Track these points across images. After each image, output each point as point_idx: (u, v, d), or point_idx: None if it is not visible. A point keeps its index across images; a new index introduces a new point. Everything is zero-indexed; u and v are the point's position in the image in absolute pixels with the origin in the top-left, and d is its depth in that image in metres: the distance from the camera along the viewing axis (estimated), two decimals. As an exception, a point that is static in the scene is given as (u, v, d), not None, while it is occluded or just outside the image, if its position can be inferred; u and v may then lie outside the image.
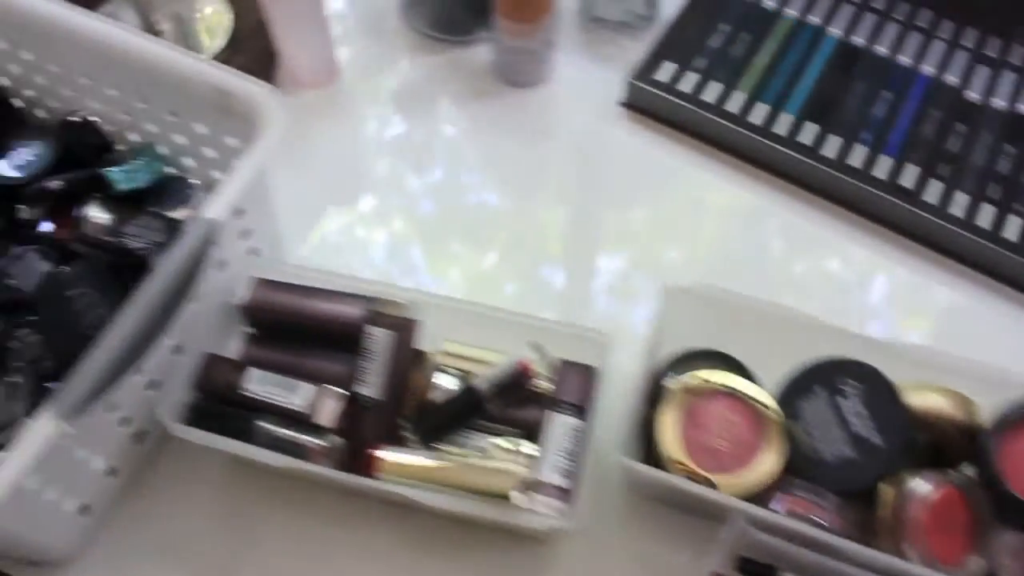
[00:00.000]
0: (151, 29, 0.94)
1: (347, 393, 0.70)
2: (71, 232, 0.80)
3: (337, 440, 0.69)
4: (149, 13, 0.93)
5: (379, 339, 0.71)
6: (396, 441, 0.70)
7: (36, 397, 0.72)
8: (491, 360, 0.74)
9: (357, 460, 0.68)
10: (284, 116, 0.68)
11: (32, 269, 0.79)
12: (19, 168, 0.84)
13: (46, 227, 0.82)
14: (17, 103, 0.88)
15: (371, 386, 0.70)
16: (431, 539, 0.73)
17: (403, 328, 0.71)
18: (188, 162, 0.82)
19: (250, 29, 0.96)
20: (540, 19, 0.88)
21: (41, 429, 0.58)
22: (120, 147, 0.85)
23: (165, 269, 0.64)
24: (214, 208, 0.66)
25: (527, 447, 0.70)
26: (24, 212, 0.83)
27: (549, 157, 0.93)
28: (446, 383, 0.73)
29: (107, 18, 0.74)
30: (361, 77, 0.97)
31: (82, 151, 0.84)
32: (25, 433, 0.58)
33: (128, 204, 0.81)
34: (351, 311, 0.73)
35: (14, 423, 0.69)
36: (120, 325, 0.62)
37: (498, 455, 0.70)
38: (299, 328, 0.74)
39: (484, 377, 0.71)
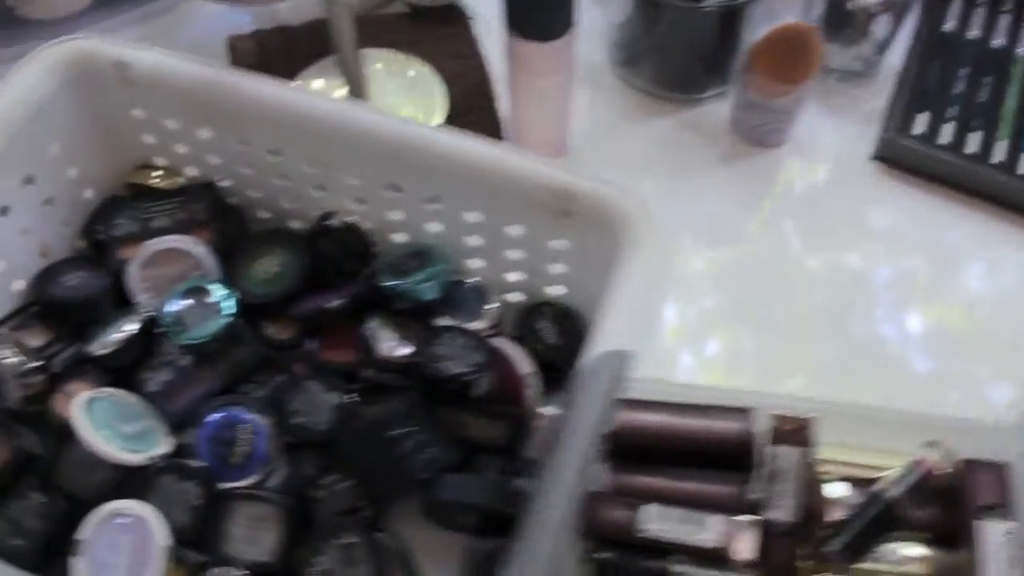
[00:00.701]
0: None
1: (757, 520, 0.63)
2: (360, 356, 0.70)
3: (753, 573, 0.62)
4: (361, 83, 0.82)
5: (785, 457, 0.64)
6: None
7: (376, 557, 0.62)
8: (873, 463, 0.68)
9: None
10: (653, 223, 0.60)
11: (320, 403, 0.68)
12: (265, 283, 0.73)
13: (311, 347, 0.72)
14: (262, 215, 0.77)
15: (782, 509, 0.63)
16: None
17: (806, 442, 0.64)
18: (475, 264, 0.72)
19: (464, 95, 0.86)
20: (805, 80, 0.82)
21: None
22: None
23: (588, 413, 0.55)
24: (613, 337, 0.57)
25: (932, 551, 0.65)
26: (272, 330, 0.72)
27: (823, 222, 0.87)
28: (838, 493, 0.66)
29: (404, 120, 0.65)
30: (589, 145, 0.89)
31: (338, 260, 0.73)
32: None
33: (409, 319, 0.71)
34: (732, 426, 0.65)
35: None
36: (559, 481, 0.53)
37: (912, 565, 0.65)
38: (671, 451, 0.66)
39: (890, 482, 0.65)
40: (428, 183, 0.66)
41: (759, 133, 0.88)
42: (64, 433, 0.67)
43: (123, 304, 0.73)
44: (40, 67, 0.69)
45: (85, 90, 0.71)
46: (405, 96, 0.86)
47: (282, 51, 0.87)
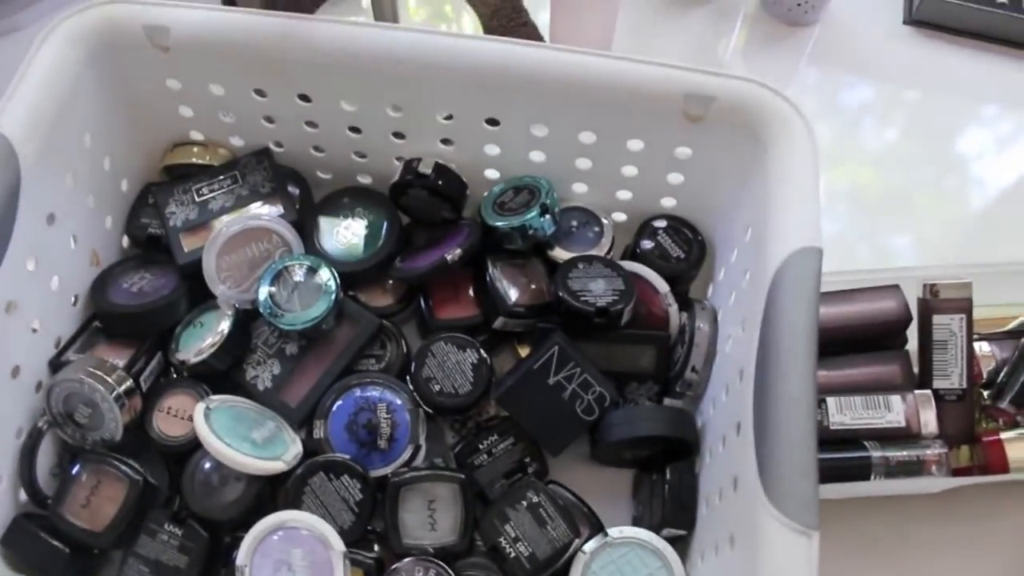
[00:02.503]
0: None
1: (929, 392, 0.62)
2: (488, 307, 0.65)
3: (941, 443, 0.62)
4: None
5: (949, 327, 0.63)
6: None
7: (564, 510, 0.59)
8: (1009, 316, 0.68)
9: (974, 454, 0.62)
10: (803, 118, 0.57)
11: (454, 365, 0.64)
12: (353, 249, 0.67)
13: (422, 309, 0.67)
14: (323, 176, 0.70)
15: (951, 377, 0.63)
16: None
17: (966, 309, 0.64)
18: (581, 188, 0.68)
19: (495, 14, 0.80)
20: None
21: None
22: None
23: (799, 314, 0.52)
24: (794, 238, 0.54)
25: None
26: (364, 298, 0.66)
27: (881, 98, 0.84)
28: (986, 351, 0.67)
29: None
30: (630, 46, 0.85)
31: (429, 210, 0.67)
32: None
33: (525, 258, 0.66)
34: (889, 306, 0.64)
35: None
36: (792, 389, 0.51)
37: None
38: (829, 341, 0.64)
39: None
40: (534, 109, 0.61)
41: (795, 14, 0.86)
42: (177, 454, 0.60)
43: (197, 299, 0.65)
44: (63, 42, 0.59)
45: (113, 64, 0.62)
46: (437, 25, 0.79)
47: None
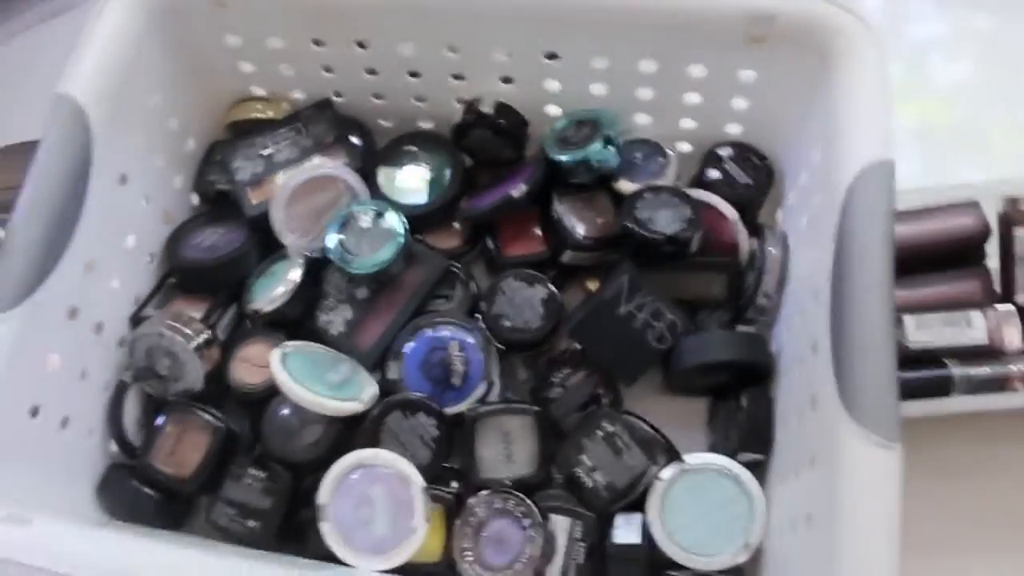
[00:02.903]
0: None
1: (1012, 307, 0.61)
2: (556, 241, 0.65)
3: (1024, 361, 0.60)
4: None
5: (1028, 238, 0.61)
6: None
7: (640, 440, 0.58)
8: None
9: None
10: (871, 31, 0.56)
11: (523, 302, 0.64)
12: (419, 193, 0.67)
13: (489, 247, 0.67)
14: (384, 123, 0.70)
15: (1034, 291, 0.61)
16: None
17: (1047, 218, 0.62)
18: (644, 119, 0.67)
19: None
20: None
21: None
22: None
23: (876, 229, 0.51)
24: (865, 152, 0.52)
25: None
26: (431, 240, 0.67)
27: None
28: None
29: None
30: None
31: (493, 149, 0.67)
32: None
33: (591, 191, 0.66)
34: (967, 221, 0.63)
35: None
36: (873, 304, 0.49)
37: None
38: (907, 260, 0.63)
39: None
40: (594, 40, 0.60)
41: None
42: (256, 401, 0.62)
43: (267, 251, 0.66)
44: (122, 8, 0.60)
45: (175, 24, 0.63)
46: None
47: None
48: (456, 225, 0.68)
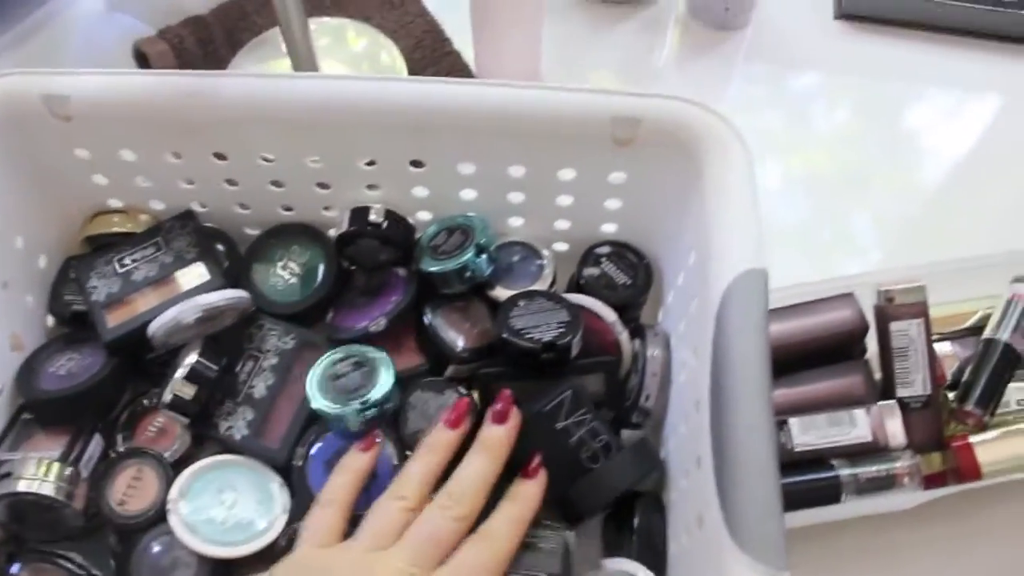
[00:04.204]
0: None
1: (894, 402, 0.61)
2: (432, 356, 0.62)
3: (910, 454, 0.60)
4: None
5: (907, 332, 0.61)
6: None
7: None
8: (967, 312, 0.67)
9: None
10: (736, 133, 0.55)
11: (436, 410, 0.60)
12: (287, 291, 0.64)
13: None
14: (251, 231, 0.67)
15: (914, 384, 0.61)
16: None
17: (923, 313, 0.62)
18: (517, 221, 0.65)
19: (418, 46, 0.78)
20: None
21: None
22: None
23: (749, 338, 0.50)
24: (737, 261, 0.51)
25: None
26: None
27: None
28: (946, 351, 0.65)
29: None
30: (559, 68, 0.83)
31: (375, 256, 0.65)
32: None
33: (465, 299, 0.64)
34: (844, 314, 0.62)
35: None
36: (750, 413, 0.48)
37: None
38: (785, 358, 0.62)
39: (996, 326, 0.64)
40: (459, 147, 0.59)
41: (724, 18, 0.84)
42: (134, 532, 0.58)
43: (129, 374, 0.62)
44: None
45: (13, 139, 0.59)
46: (358, 66, 0.77)
47: (200, 45, 0.76)
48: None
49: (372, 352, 0.59)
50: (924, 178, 0.81)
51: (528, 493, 0.53)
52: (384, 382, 0.57)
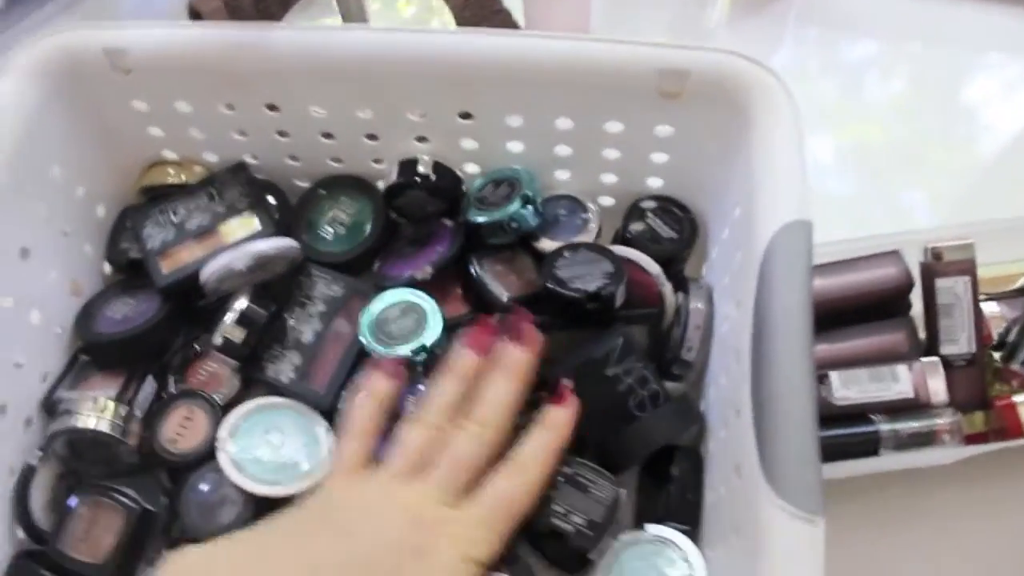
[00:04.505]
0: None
1: (937, 359, 0.60)
2: (476, 305, 0.63)
3: (952, 411, 0.60)
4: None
5: (953, 290, 0.61)
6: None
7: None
8: (1016, 273, 0.66)
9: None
10: (784, 86, 0.55)
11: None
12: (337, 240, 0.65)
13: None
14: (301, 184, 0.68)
15: (959, 342, 0.61)
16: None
17: (970, 270, 0.61)
18: (564, 175, 0.66)
19: (468, 5, 0.78)
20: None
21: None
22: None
23: (794, 290, 0.50)
24: (782, 213, 0.52)
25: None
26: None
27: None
28: (993, 311, 0.64)
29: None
30: (607, 23, 0.82)
31: (424, 207, 0.66)
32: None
33: (512, 251, 0.65)
34: (890, 272, 0.62)
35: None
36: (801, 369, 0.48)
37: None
38: (830, 314, 0.62)
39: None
40: (508, 99, 0.59)
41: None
42: (185, 470, 0.60)
43: (182, 320, 0.64)
44: (21, 74, 0.58)
45: (76, 91, 0.61)
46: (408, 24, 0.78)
47: (254, 3, 0.76)
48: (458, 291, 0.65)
49: (421, 299, 0.60)
50: (982, 152, 0.79)
51: (559, 420, 0.52)
52: (434, 327, 0.58)
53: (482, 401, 0.51)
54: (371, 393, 0.54)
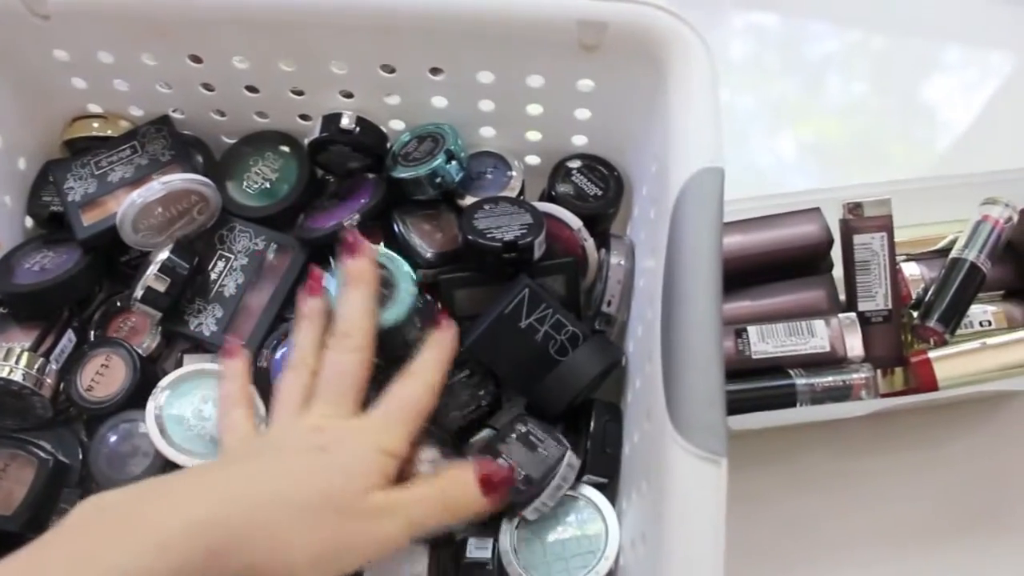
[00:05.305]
0: None
1: (854, 315, 0.61)
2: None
3: (868, 367, 0.60)
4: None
5: (871, 246, 0.61)
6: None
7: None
8: (938, 235, 0.67)
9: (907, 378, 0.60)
10: (699, 38, 0.55)
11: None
12: (262, 195, 0.65)
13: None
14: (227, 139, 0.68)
15: (876, 298, 0.61)
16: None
17: (887, 227, 0.62)
18: (488, 132, 0.66)
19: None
20: None
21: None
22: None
23: (703, 236, 0.50)
24: (694, 160, 0.52)
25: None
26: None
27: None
28: (912, 271, 0.65)
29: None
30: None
31: (350, 162, 0.65)
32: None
33: (433, 207, 0.65)
34: (809, 228, 0.63)
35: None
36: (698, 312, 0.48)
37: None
38: (748, 270, 0.63)
39: (964, 246, 0.63)
40: (427, 51, 0.59)
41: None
42: (101, 419, 0.59)
43: (102, 272, 0.64)
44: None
45: (-8, 40, 0.60)
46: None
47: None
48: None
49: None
50: (940, 148, 0.79)
51: (442, 338, 0.53)
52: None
53: (340, 315, 0.52)
54: (303, 314, 0.54)
